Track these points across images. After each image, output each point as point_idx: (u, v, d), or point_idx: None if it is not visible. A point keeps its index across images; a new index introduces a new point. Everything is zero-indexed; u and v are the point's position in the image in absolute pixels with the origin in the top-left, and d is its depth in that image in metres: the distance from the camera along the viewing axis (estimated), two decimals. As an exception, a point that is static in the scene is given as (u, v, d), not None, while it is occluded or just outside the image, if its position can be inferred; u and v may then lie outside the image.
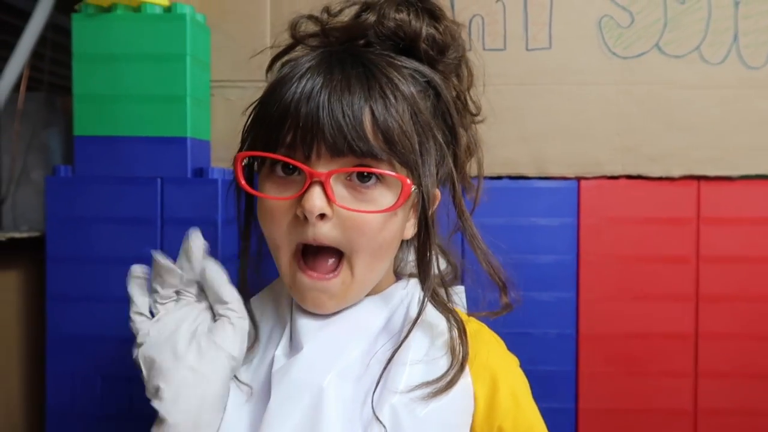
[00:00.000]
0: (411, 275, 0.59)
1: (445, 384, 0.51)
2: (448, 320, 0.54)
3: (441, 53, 0.58)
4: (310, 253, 0.53)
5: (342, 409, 0.50)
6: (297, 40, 0.61)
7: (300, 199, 0.49)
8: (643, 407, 0.84)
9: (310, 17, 0.61)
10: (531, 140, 0.83)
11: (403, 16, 0.56)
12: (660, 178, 0.83)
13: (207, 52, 0.84)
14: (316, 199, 0.48)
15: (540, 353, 0.83)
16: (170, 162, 0.79)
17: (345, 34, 0.58)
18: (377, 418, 0.49)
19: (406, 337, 0.52)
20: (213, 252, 0.78)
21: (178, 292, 0.56)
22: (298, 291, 0.54)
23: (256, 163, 0.57)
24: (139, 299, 0.55)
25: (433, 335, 0.54)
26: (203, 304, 0.55)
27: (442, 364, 0.52)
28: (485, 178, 0.82)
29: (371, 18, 0.56)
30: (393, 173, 0.50)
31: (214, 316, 0.55)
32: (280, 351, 0.54)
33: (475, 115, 0.66)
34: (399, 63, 0.55)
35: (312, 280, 0.52)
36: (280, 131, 0.49)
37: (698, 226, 0.83)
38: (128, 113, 0.79)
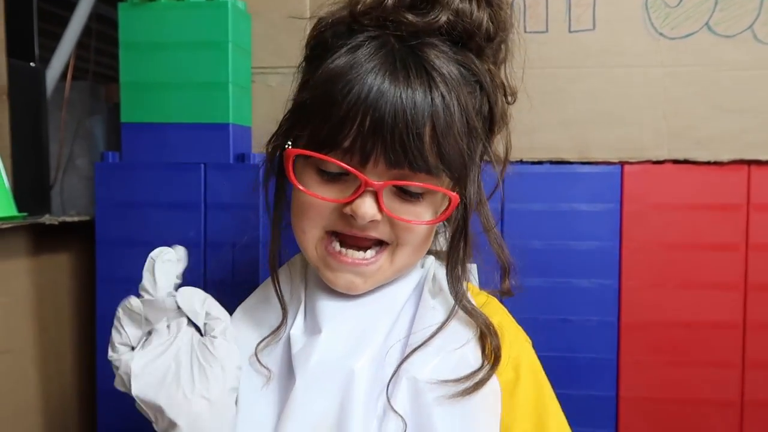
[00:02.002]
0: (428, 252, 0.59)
1: (473, 385, 0.50)
2: (476, 323, 0.54)
3: (489, 40, 0.56)
4: (349, 239, 0.53)
5: (367, 395, 0.50)
6: (354, 17, 0.54)
7: (350, 203, 0.50)
8: (686, 397, 0.82)
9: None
10: (573, 124, 0.82)
11: (465, 6, 0.53)
12: (708, 163, 0.81)
13: (248, 39, 0.85)
14: (368, 209, 0.49)
15: (581, 341, 0.82)
16: (213, 148, 0.81)
17: (410, 28, 0.53)
18: (393, 410, 0.49)
19: (433, 335, 0.52)
20: (255, 236, 0.81)
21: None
22: (331, 273, 0.53)
23: (288, 164, 0.55)
24: (130, 330, 0.53)
25: (460, 329, 0.54)
26: (187, 325, 0.54)
27: (470, 360, 0.52)
28: (527, 162, 0.82)
29: (442, 18, 0.52)
30: (444, 189, 0.51)
31: (199, 330, 0.54)
32: (297, 331, 0.54)
33: (510, 96, 0.62)
34: (456, 62, 0.53)
35: (347, 264, 0.52)
36: (339, 134, 0.48)
37: (748, 212, 0.81)
38: (173, 100, 0.81)
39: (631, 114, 0.81)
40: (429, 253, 0.59)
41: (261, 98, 0.87)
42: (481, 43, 0.55)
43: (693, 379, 0.82)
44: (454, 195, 0.51)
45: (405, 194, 0.51)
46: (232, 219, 0.82)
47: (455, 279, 0.54)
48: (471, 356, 0.52)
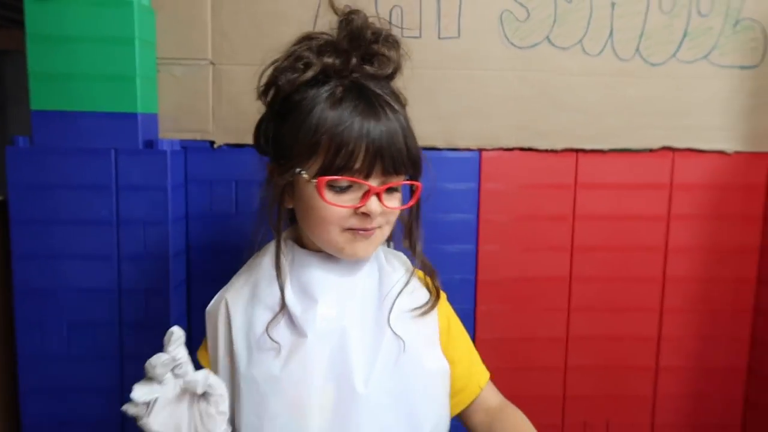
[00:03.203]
0: None
1: (428, 308, 0.74)
2: (427, 273, 0.76)
3: (399, 70, 0.74)
4: (359, 229, 0.71)
5: (360, 338, 0.70)
6: (325, 74, 0.70)
7: (363, 206, 0.68)
8: (528, 336, 1.04)
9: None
10: (443, 118, 0.98)
11: (394, 54, 0.72)
12: (546, 150, 1.00)
13: (153, 33, 0.92)
14: (377, 207, 0.68)
15: (447, 295, 1.00)
16: (122, 135, 0.89)
17: (368, 78, 0.70)
18: (395, 333, 0.70)
19: (405, 285, 0.73)
20: (163, 215, 0.90)
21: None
22: (351, 249, 0.70)
23: (320, 189, 0.68)
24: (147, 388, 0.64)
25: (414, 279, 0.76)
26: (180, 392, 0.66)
27: (420, 296, 0.75)
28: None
29: (389, 69, 0.72)
30: (414, 182, 0.71)
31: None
32: (290, 301, 0.70)
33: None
34: (389, 88, 0.72)
35: (364, 237, 0.70)
36: (350, 161, 0.66)
37: (575, 190, 1.01)
38: (82, 90, 0.87)
39: (488, 109, 0.98)
40: None
41: (166, 87, 0.95)
42: (396, 74, 0.74)
43: (533, 322, 1.04)
44: (419, 184, 0.71)
45: (390, 190, 0.69)
46: (142, 199, 0.91)
47: (413, 244, 0.75)
48: (424, 294, 0.75)
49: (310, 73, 0.69)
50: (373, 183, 0.67)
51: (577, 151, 1.00)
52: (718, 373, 1.07)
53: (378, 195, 0.68)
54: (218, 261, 1.00)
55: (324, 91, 0.68)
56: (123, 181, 0.90)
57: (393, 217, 0.72)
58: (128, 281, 0.93)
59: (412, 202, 0.72)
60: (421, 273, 0.78)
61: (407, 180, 0.70)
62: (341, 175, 0.67)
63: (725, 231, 1.03)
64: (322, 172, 0.67)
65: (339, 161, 0.66)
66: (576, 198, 1.02)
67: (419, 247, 0.76)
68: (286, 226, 0.76)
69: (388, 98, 0.69)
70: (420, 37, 0.96)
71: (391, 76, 0.73)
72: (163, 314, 0.93)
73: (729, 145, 1.01)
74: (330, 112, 0.67)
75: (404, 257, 0.79)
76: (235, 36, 0.95)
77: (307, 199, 0.69)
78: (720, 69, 0.99)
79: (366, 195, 0.67)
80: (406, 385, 0.71)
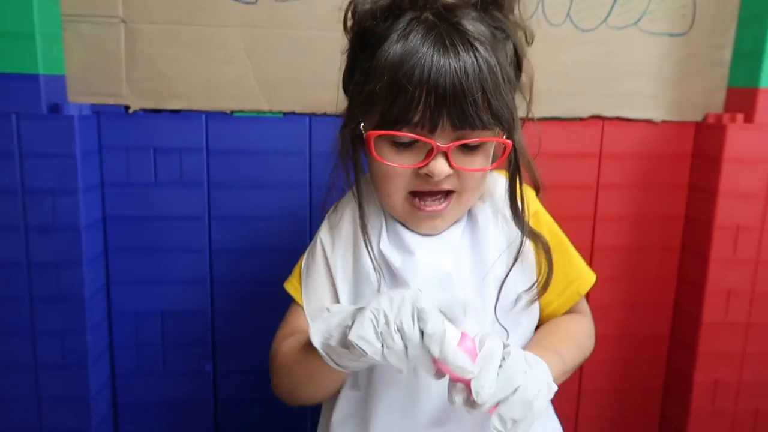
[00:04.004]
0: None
1: (532, 297, 0.67)
2: (536, 245, 0.67)
3: None
4: (426, 193, 0.63)
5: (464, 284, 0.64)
6: (398, 4, 0.61)
7: (425, 165, 0.59)
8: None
9: None
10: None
11: None
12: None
13: (55, -14, 0.86)
14: (442, 167, 0.59)
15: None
16: (24, 98, 0.83)
17: (446, 7, 0.60)
18: (501, 326, 0.65)
19: (515, 261, 0.65)
20: (73, 184, 0.85)
21: None
22: (415, 220, 0.64)
23: (369, 144, 0.61)
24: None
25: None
26: None
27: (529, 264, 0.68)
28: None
29: None
30: (499, 139, 0.61)
31: None
32: (386, 247, 0.65)
33: (528, 36, 0.70)
34: (486, 24, 0.61)
35: (428, 213, 0.63)
36: (409, 112, 0.57)
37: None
38: (-25, 49, 0.80)
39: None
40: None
41: (74, 47, 0.89)
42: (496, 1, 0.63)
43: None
44: (508, 142, 0.61)
45: (466, 148, 0.60)
46: (48, 167, 0.85)
47: (516, 211, 0.66)
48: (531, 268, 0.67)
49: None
50: (440, 140, 0.58)
51: (508, 119, 0.99)
52: (642, 340, 1.09)
53: (446, 154, 0.59)
54: (138, 231, 0.96)
55: (396, 24, 0.59)
56: (27, 147, 0.84)
57: (474, 182, 0.62)
58: (37, 254, 0.88)
59: (496, 164, 0.62)
60: (534, 204, 0.71)
61: (488, 137, 0.59)
62: (397, 130, 0.58)
63: (652, 200, 1.04)
64: (379, 125, 0.59)
65: (396, 111, 0.58)
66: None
67: (526, 218, 0.66)
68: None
69: (473, 33, 0.58)
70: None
71: (492, 4, 0.62)
72: (77, 288, 0.89)
73: (657, 114, 1.01)
74: (393, 49, 0.57)
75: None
76: (148, -8, 0.89)
77: (369, 156, 0.62)
78: (650, 36, 0.97)
79: (430, 153, 0.59)
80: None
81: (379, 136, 0.60)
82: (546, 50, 0.96)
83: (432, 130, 0.58)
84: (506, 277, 0.65)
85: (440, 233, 0.67)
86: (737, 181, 0.96)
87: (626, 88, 0.99)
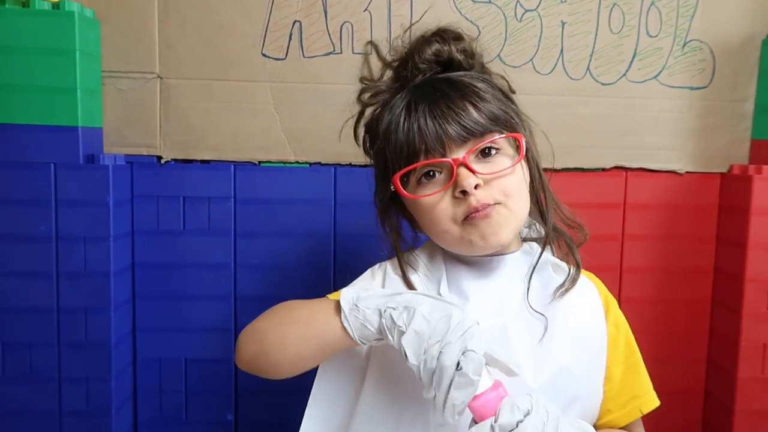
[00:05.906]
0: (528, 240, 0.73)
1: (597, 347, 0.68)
2: (567, 244, 0.72)
3: (472, 57, 0.70)
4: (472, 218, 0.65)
5: (521, 334, 0.65)
6: (365, 104, 0.73)
7: (454, 185, 0.62)
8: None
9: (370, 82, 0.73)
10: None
11: (435, 47, 0.68)
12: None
13: (97, 45, 0.91)
14: (468, 176, 0.61)
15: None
16: (63, 149, 0.87)
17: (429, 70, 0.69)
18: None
19: (568, 289, 0.68)
20: (105, 231, 0.88)
21: None
22: (476, 236, 0.63)
23: (396, 185, 0.65)
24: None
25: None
26: None
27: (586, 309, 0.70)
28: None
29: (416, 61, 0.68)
30: (507, 133, 0.64)
31: None
32: (446, 292, 0.67)
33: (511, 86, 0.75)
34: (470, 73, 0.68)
35: (482, 216, 0.63)
36: (413, 145, 0.63)
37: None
38: (21, 102, 0.85)
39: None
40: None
41: (112, 101, 0.93)
42: (469, 61, 0.70)
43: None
44: (518, 135, 0.64)
45: (482, 156, 0.63)
46: (82, 215, 0.88)
47: (542, 213, 0.69)
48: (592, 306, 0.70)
49: (383, 96, 0.69)
50: (454, 156, 0.62)
51: (531, 170, 0.99)
52: (674, 395, 1.05)
53: (466, 165, 0.62)
54: (166, 279, 0.98)
55: (393, 101, 0.68)
56: (62, 196, 0.88)
57: (508, 186, 0.63)
58: (67, 300, 0.90)
59: (518, 160, 0.64)
60: (590, 275, 0.73)
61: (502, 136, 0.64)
62: (412, 163, 0.63)
63: (679, 252, 1.02)
64: (397, 171, 0.64)
65: (404, 151, 0.63)
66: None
67: (550, 216, 0.69)
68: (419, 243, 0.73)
69: (453, 79, 0.65)
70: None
71: (466, 67, 0.69)
72: (104, 334, 0.90)
73: (680, 165, 1.01)
74: (385, 116, 0.67)
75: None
76: (183, 49, 0.94)
77: (410, 209, 0.68)
78: (670, 89, 0.99)
79: (453, 170, 0.62)
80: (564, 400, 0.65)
81: (402, 176, 0.64)
82: (566, 103, 0.98)
83: (442, 151, 0.62)
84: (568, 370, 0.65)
85: (506, 257, 0.69)
86: (766, 233, 0.94)
87: (648, 140, 1.00)
